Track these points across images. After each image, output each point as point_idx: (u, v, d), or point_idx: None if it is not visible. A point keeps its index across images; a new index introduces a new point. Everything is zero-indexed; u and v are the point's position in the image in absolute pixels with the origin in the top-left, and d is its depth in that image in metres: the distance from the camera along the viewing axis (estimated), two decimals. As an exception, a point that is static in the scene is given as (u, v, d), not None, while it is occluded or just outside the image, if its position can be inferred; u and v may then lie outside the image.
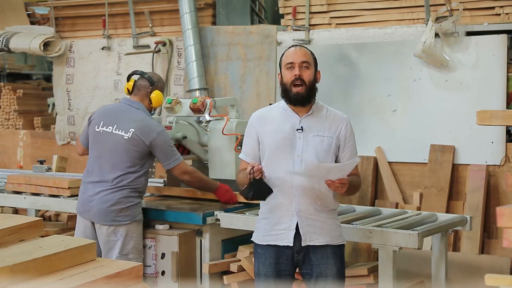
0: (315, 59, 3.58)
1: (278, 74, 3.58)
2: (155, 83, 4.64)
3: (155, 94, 4.61)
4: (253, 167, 3.35)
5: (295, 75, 3.46)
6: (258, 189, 3.39)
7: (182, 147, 5.28)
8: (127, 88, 4.65)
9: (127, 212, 4.43)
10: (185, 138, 5.23)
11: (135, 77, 4.65)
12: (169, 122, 5.22)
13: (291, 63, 3.49)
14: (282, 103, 3.59)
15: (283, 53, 3.59)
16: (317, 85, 3.59)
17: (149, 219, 4.78)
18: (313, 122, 3.51)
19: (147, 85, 4.61)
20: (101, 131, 4.54)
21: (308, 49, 3.59)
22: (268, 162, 3.49)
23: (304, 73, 3.48)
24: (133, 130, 4.45)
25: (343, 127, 3.55)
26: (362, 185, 6.13)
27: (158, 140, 4.48)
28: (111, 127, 4.51)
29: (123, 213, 4.42)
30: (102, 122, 4.56)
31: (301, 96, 3.47)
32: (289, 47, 3.61)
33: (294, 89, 3.47)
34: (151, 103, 4.63)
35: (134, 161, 4.47)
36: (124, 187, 4.45)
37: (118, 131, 4.48)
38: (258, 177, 3.36)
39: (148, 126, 4.50)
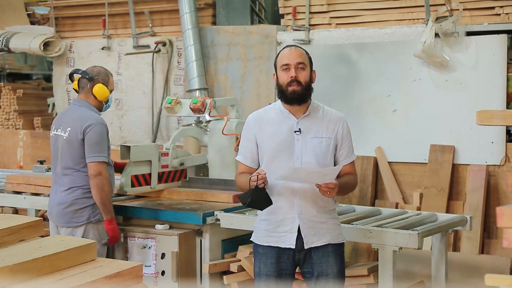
0: (310, 59, 3.56)
1: (274, 74, 3.58)
2: (94, 77, 4.59)
3: (98, 88, 4.56)
4: (258, 175, 3.32)
5: (291, 76, 3.45)
6: (258, 198, 3.34)
7: (180, 172, 5.33)
8: (74, 89, 4.70)
9: (82, 213, 4.46)
10: (182, 165, 5.27)
11: (75, 76, 4.67)
12: (166, 149, 5.23)
13: (287, 64, 3.47)
14: (278, 104, 3.58)
15: (278, 54, 3.57)
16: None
17: (149, 219, 4.79)
18: (311, 123, 3.51)
19: (86, 82, 4.60)
20: (53, 135, 4.62)
21: (303, 49, 3.57)
22: (267, 165, 3.48)
23: (300, 74, 3.47)
24: (70, 128, 4.49)
25: (340, 126, 3.55)
26: (362, 185, 6.14)
27: (90, 131, 4.43)
28: (59, 130, 4.57)
29: (79, 214, 4.46)
30: (54, 126, 4.64)
31: (297, 94, 3.46)
32: (284, 48, 3.59)
33: (290, 88, 3.46)
34: (96, 98, 4.60)
35: (77, 159, 4.47)
36: (76, 188, 4.48)
37: (60, 132, 4.55)
38: (261, 186, 3.33)
39: (83, 119, 4.47)
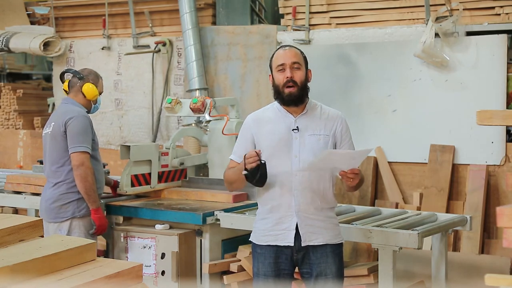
0: (305, 58, 3.57)
1: (269, 75, 3.58)
2: (83, 77, 4.69)
3: (87, 87, 4.66)
4: (254, 152, 3.33)
5: (287, 77, 3.46)
6: (263, 173, 3.36)
7: (179, 171, 5.33)
8: (64, 89, 4.77)
9: (67, 208, 4.52)
10: (182, 164, 5.27)
11: (68, 76, 4.76)
12: (166, 148, 5.24)
13: (282, 64, 3.49)
14: (276, 104, 3.59)
15: (273, 55, 3.58)
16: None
17: (149, 219, 4.79)
18: (308, 121, 3.52)
19: (76, 81, 4.69)
20: (44, 134, 4.70)
21: (297, 49, 3.58)
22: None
23: (295, 74, 3.48)
24: (54, 123, 4.58)
25: (338, 124, 3.55)
26: (362, 185, 6.13)
27: (71, 123, 4.50)
28: (47, 128, 4.65)
29: (64, 210, 4.52)
30: (44, 126, 4.72)
31: (293, 96, 3.47)
32: (278, 48, 3.60)
33: (287, 90, 3.47)
34: (85, 97, 4.68)
35: (61, 153, 4.54)
36: (61, 183, 4.54)
37: (47, 129, 4.63)
38: (264, 162, 3.34)
39: (66, 113, 4.56)
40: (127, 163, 5.02)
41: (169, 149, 5.23)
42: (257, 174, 3.36)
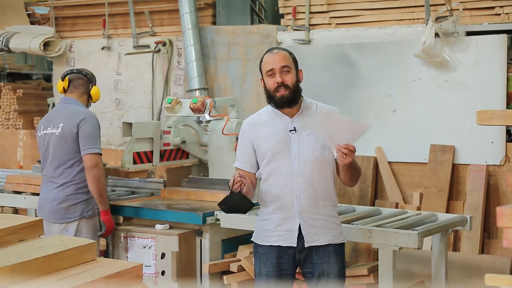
0: (294, 59, 3.54)
1: (260, 79, 3.56)
2: (92, 79, 4.72)
3: (95, 90, 4.70)
4: (234, 179, 3.29)
5: (277, 82, 3.44)
6: (235, 203, 3.29)
7: (181, 151, 5.32)
8: (63, 87, 4.73)
9: (75, 208, 4.52)
10: (184, 143, 5.26)
11: (71, 75, 4.72)
12: (168, 127, 5.25)
13: (271, 70, 3.46)
14: (269, 107, 3.58)
15: (262, 59, 3.55)
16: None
17: (149, 219, 4.79)
18: (305, 121, 3.51)
19: (85, 82, 4.69)
20: (42, 134, 4.67)
21: (285, 51, 3.55)
22: (266, 166, 3.49)
23: (285, 78, 3.46)
24: (62, 124, 4.56)
25: None
26: (362, 185, 6.14)
27: (84, 125, 4.50)
28: (49, 128, 4.63)
29: (72, 210, 4.51)
30: (42, 126, 4.69)
31: (286, 98, 3.46)
32: (266, 52, 3.57)
33: (278, 94, 3.46)
34: (91, 98, 4.71)
35: (71, 154, 4.53)
36: (69, 184, 4.53)
37: (51, 129, 4.60)
38: (237, 191, 3.28)
39: (76, 114, 4.56)
40: (129, 140, 5.04)
41: (171, 127, 5.24)
42: (224, 205, 3.30)
